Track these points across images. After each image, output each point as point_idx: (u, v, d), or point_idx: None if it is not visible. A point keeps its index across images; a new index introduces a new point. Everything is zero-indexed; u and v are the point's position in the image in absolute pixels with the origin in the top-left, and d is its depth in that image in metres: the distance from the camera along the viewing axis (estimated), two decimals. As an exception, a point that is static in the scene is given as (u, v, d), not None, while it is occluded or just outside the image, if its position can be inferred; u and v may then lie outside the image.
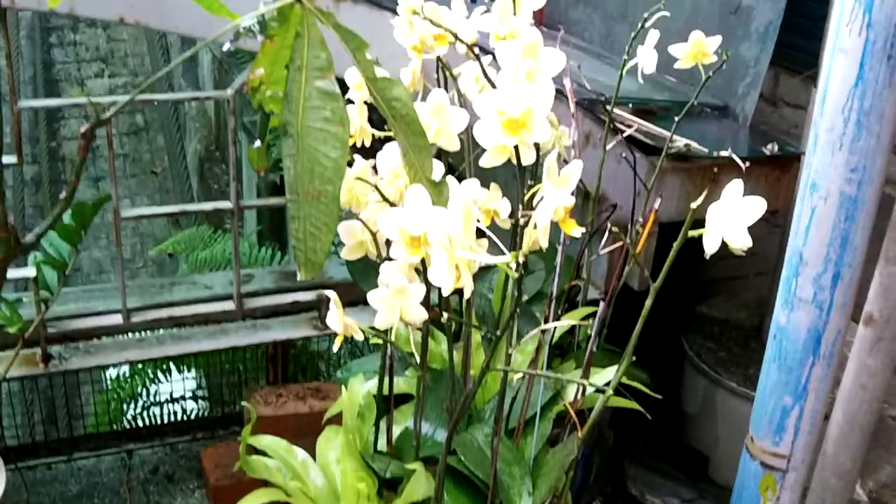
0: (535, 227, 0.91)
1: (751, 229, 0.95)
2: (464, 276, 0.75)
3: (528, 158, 1.00)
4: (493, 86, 1.04)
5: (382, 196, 1.03)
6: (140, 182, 7.02)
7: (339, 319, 1.00)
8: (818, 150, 1.03)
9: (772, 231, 2.09)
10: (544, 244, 0.81)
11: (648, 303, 0.98)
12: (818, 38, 1.78)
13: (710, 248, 0.95)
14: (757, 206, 0.91)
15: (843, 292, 1.09)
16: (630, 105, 1.90)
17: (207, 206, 1.75)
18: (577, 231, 0.80)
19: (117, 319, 1.74)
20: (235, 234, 1.59)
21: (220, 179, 6.00)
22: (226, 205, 1.61)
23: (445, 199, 0.99)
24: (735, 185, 0.94)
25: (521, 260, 0.72)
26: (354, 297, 2.03)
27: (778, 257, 1.86)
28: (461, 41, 1.08)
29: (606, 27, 2.35)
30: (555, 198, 0.79)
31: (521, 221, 0.99)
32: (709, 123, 1.96)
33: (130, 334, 1.92)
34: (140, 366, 2.71)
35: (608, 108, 1.46)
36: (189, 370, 2.68)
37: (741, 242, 0.91)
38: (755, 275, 2.48)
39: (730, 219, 0.91)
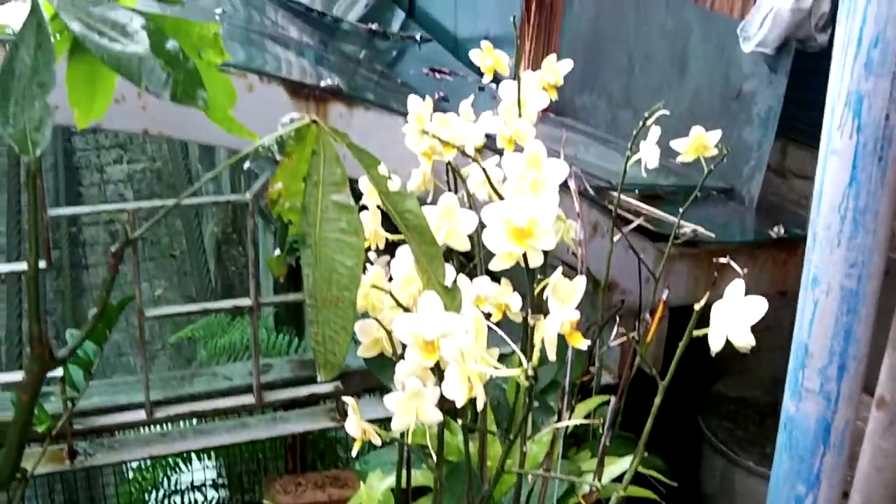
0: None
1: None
2: (476, 388, 0.78)
3: (535, 261, 1.04)
4: (500, 195, 1.08)
5: (397, 302, 1.07)
6: (158, 265, 7.12)
7: (356, 425, 1.03)
8: (817, 246, 1.07)
9: (786, 305, 2.11)
10: (552, 356, 0.84)
11: (658, 400, 1.01)
12: (823, 111, 1.83)
13: (715, 346, 0.99)
14: (758, 306, 0.94)
15: (849, 384, 1.11)
16: (636, 191, 1.95)
17: (227, 303, 1.79)
18: (583, 344, 0.84)
19: (141, 415, 1.78)
20: (255, 330, 1.64)
21: (237, 261, 6.06)
22: (245, 302, 1.66)
23: (458, 303, 1.03)
24: (737, 286, 0.97)
25: (530, 373, 0.76)
26: (372, 384, 2.06)
27: (790, 332, 1.88)
28: (467, 155, 1.13)
29: (611, 113, 2.41)
30: (560, 313, 0.82)
31: (531, 322, 1.03)
32: (715, 207, 2.00)
33: (153, 427, 1.95)
34: (161, 455, 2.73)
35: (615, 194, 1.50)
36: (209, 459, 2.70)
37: (744, 341, 0.95)
38: (769, 350, 2.49)
39: (732, 318, 0.94)
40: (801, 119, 2.11)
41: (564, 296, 0.82)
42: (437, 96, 2.69)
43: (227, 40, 2.57)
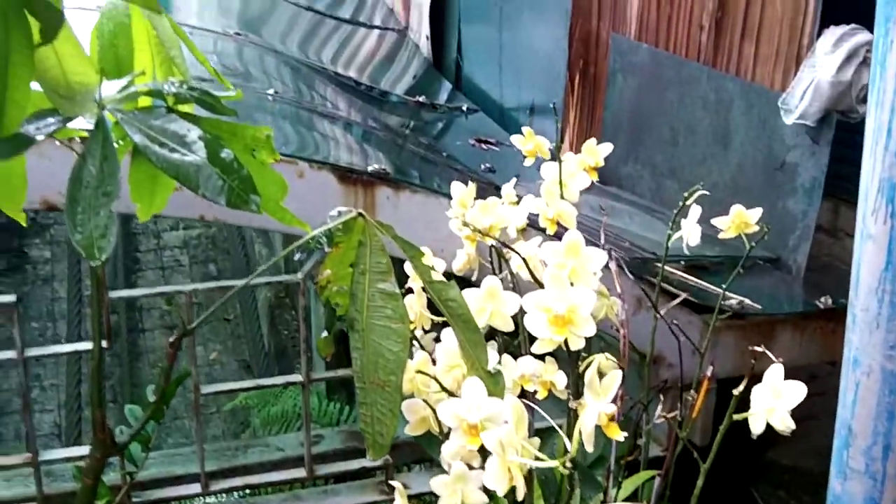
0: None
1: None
2: (516, 478, 0.81)
3: (576, 346, 1.07)
4: (539, 282, 1.12)
5: (442, 386, 1.10)
6: (213, 329, 7.24)
7: (404, 510, 1.06)
8: (857, 328, 1.08)
9: (837, 372, 2.09)
10: (590, 449, 0.87)
11: (700, 482, 1.02)
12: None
13: (756, 429, 1.00)
14: (797, 391, 0.96)
15: (895, 463, 1.11)
16: (681, 262, 1.96)
17: (280, 379, 1.84)
18: (620, 436, 0.86)
19: (196, 488, 1.82)
20: (306, 405, 1.68)
21: (290, 325, 6.15)
22: (297, 378, 1.71)
23: (501, 388, 1.06)
24: (776, 370, 0.99)
25: (568, 465, 0.78)
26: (422, 456, 2.07)
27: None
28: (506, 246, 1.17)
29: (656, 183, 2.44)
30: (596, 407, 0.85)
31: (573, 406, 1.05)
32: (762, 276, 2.01)
33: (207, 498, 1.99)
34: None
35: (659, 266, 1.51)
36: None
37: (784, 426, 0.96)
38: (822, 416, 2.46)
39: (772, 403, 0.96)
40: (850, 178, 2.10)
41: (601, 389, 0.85)
42: (483, 167, 2.74)
43: (278, 119, 2.66)
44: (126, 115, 0.87)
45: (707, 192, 1.44)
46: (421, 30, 4.05)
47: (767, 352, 0.95)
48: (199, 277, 7.82)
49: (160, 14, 0.94)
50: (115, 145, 0.91)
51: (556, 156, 1.43)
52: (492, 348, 1.22)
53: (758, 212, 1.43)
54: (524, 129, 1.42)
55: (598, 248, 1.48)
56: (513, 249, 1.16)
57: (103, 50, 0.97)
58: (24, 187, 1.03)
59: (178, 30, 1.01)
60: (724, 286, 1.48)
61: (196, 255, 8.18)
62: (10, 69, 0.81)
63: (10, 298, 1.53)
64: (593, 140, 1.41)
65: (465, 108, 3.43)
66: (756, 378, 1.05)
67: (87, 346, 1.63)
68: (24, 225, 1.10)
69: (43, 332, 7.06)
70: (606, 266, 1.22)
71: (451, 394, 1.11)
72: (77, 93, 0.89)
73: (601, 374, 1.08)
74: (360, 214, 1.05)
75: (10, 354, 1.56)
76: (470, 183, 1.35)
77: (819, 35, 1.94)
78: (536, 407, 1.09)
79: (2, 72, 0.81)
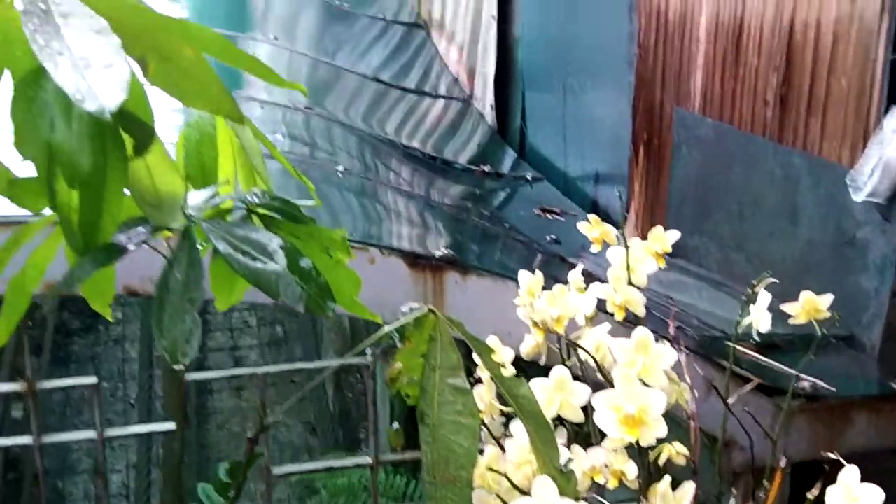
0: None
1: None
2: (590, 588, 0.81)
3: (647, 443, 1.07)
4: (608, 378, 1.12)
5: (512, 484, 1.11)
6: (279, 391, 7.27)
7: None
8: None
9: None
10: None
11: (776, 585, 1.00)
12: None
13: (833, 534, 0.98)
14: (875, 496, 0.94)
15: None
16: (752, 341, 1.93)
17: (349, 461, 1.86)
18: (693, 548, 0.85)
19: (265, 567, 1.83)
20: (375, 488, 1.69)
21: (354, 388, 6.19)
22: (365, 460, 1.72)
23: (573, 487, 1.06)
24: (851, 472, 0.97)
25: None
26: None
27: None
28: (580, 347, 1.18)
29: (723, 256, 2.42)
30: (670, 520, 0.85)
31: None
32: (836, 356, 1.97)
33: (275, 575, 2.00)
34: None
35: (729, 345, 1.50)
36: None
37: (862, 532, 0.94)
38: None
39: (849, 506, 0.94)
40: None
41: (674, 501, 0.85)
42: (548, 239, 2.76)
43: (346, 193, 2.71)
44: (210, 225, 0.91)
45: (776, 274, 1.43)
46: (485, 99, 4.12)
47: (840, 459, 0.94)
48: (267, 339, 7.93)
49: (243, 124, 0.99)
50: (199, 246, 0.95)
51: (622, 240, 1.44)
52: (561, 437, 1.22)
53: (829, 298, 1.42)
54: (591, 216, 1.43)
55: (667, 326, 1.48)
56: (579, 346, 1.17)
57: (189, 158, 1.02)
58: (113, 286, 1.08)
59: (261, 136, 1.05)
60: (795, 372, 1.46)
61: (264, 316, 8.30)
62: (107, 184, 0.86)
63: (91, 380, 1.59)
64: (660, 227, 1.42)
65: (529, 177, 3.46)
66: (832, 465, 1.03)
67: (163, 427, 1.67)
68: (111, 320, 1.15)
69: (114, 392, 7.20)
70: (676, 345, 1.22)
71: (522, 491, 1.12)
72: (165, 202, 0.93)
73: (672, 471, 1.08)
74: (430, 311, 1.07)
75: (90, 434, 1.60)
76: (537, 272, 1.37)
77: (887, 111, 1.93)
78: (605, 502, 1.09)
79: (99, 186, 0.86)
